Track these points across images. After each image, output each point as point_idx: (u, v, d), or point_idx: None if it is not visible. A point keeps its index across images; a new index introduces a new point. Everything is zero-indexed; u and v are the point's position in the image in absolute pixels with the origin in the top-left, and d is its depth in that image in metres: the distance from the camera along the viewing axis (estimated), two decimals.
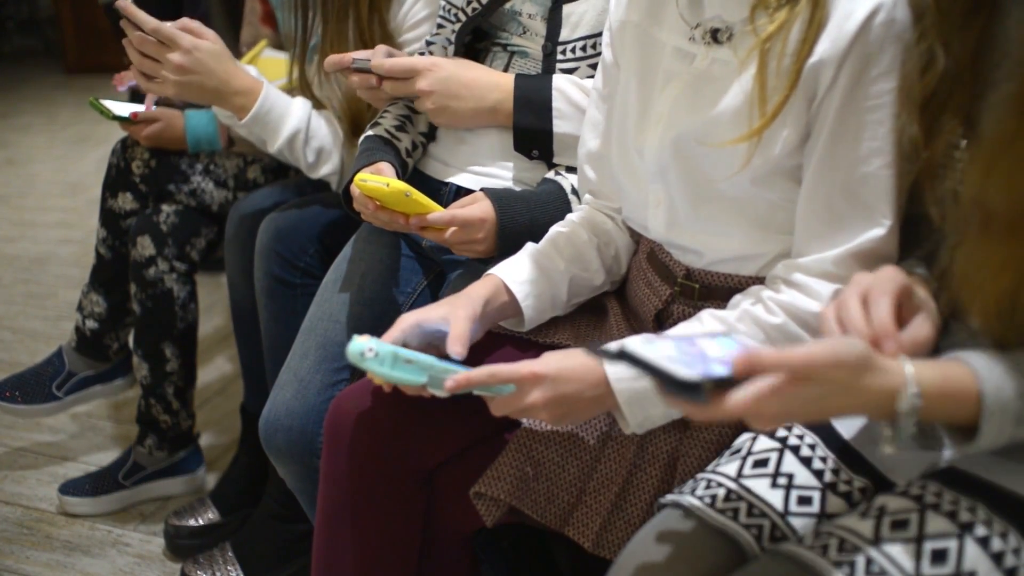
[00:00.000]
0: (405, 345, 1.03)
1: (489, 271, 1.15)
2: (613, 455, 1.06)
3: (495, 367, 0.96)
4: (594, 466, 1.06)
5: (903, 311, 0.84)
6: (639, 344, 0.77)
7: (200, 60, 1.49)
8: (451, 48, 1.44)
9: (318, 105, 1.61)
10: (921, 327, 0.84)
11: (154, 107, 1.84)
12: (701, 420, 0.76)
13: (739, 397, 0.73)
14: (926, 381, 0.76)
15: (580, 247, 1.18)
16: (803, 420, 0.79)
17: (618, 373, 0.96)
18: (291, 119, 1.55)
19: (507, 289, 1.13)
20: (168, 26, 1.48)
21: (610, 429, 1.07)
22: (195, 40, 1.50)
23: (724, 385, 0.74)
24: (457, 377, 0.96)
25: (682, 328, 1.02)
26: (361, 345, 0.93)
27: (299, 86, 1.61)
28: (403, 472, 1.13)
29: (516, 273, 1.14)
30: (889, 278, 0.85)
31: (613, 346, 0.78)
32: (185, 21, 1.51)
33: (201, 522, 1.77)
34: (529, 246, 1.19)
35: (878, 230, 0.97)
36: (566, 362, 0.97)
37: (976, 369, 0.77)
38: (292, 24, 1.60)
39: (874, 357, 0.76)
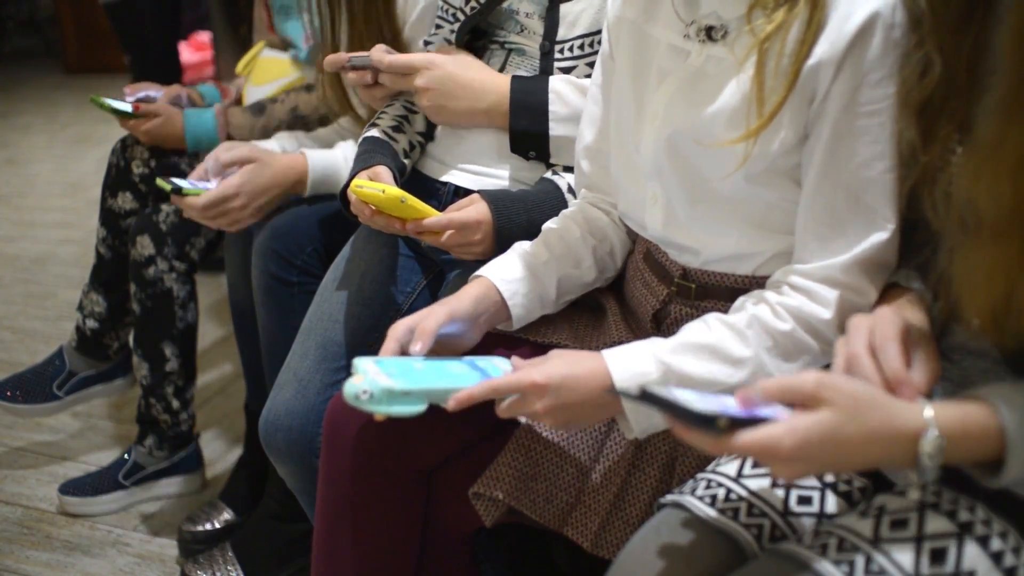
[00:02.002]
0: (403, 352, 1.03)
1: (477, 272, 1.15)
2: (612, 455, 1.06)
3: (496, 382, 0.96)
4: (592, 466, 1.06)
5: (905, 349, 0.85)
6: (658, 386, 0.78)
7: (251, 189, 1.56)
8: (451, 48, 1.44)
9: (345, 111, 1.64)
10: (926, 366, 0.84)
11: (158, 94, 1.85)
12: (717, 453, 0.76)
13: (751, 433, 0.73)
14: (946, 422, 0.75)
15: (572, 244, 1.18)
16: (822, 465, 0.78)
17: (625, 381, 0.95)
18: (343, 169, 1.62)
19: (496, 289, 1.12)
20: (215, 195, 1.53)
21: (609, 429, 1.07)
22: (239, 188, 1.55)
23: (740, 425, 0.74)
24: (459, 396, 0.95)
25: (688, 331, 1.01)
26: (355, 388, 0.94)
27: (334, 99, 1.63)
28: (403, 472, 1.13)
29: (504, 272, 1.14)
30: (888, 320, 0.85)
31: (632, 387, 0.79)
32: (222, 192, 1.55)
33: (218, 525, 1.77)
34: (518, 245, 1.19)
35: (882, 234, 0.97)
36: (571, 370, 0.96)
37: (996, 404, 0.77)
38: (318, 35, 1.61)
39: (886, 396, 0.76)
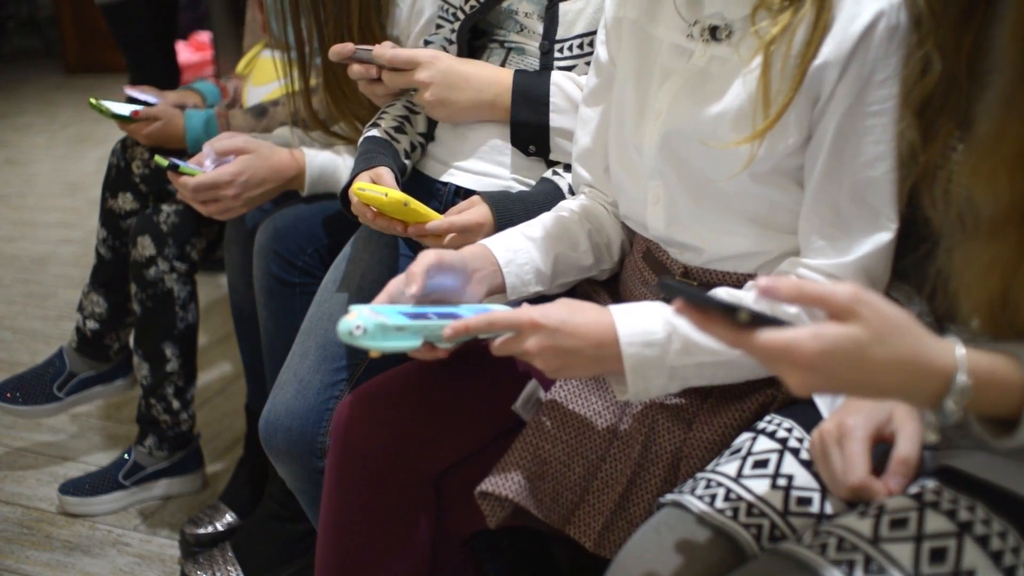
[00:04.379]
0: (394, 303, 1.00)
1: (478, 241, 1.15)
2: (618, 455, 1.05)
3: (494, 315, 0.95)
4: (599, 465, 1.05)
5: (885, 434, 0.87)
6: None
7: (246, 180, 1.54)
8: (452, 48, 1.44)
9: (324, 131, 1.64)
10: (904, 444, 0.86)
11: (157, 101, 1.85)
12: (735, 346, 0.72)
13: (773, 332, 0.70)
14: (974, 366, 0.73)
15: (569, 226, 1.18)
16: (840, 384, 0.73)
17: (630, 337, 0.94)
18: (342, 170, 1.62)
19: (491, 252, 1.12)
20: (209, 179, 1.52)
21: (617, 428, 1.07)
22: (235, 176, 1.54)
23: (762, 323, 0.71)
24: (455, 324, 0.93)
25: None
26: (349, 324, 0.91)
27: (306, 117, 1.63)
28: (415, 478, 1.12)
29: (500, 240, 1.14)
30: (860, 425, 0.87)
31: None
32: (216, 177, 1.53)
33: (220, 528, 1.77)
34: (518, 226, 1.18)
35: (885, 234, 0.98)
36: (571, 316, 0.94)
37: (1022, 359, 0.76)
38: (285, 49, 1.61)
39: (919, 326, 0.74)
